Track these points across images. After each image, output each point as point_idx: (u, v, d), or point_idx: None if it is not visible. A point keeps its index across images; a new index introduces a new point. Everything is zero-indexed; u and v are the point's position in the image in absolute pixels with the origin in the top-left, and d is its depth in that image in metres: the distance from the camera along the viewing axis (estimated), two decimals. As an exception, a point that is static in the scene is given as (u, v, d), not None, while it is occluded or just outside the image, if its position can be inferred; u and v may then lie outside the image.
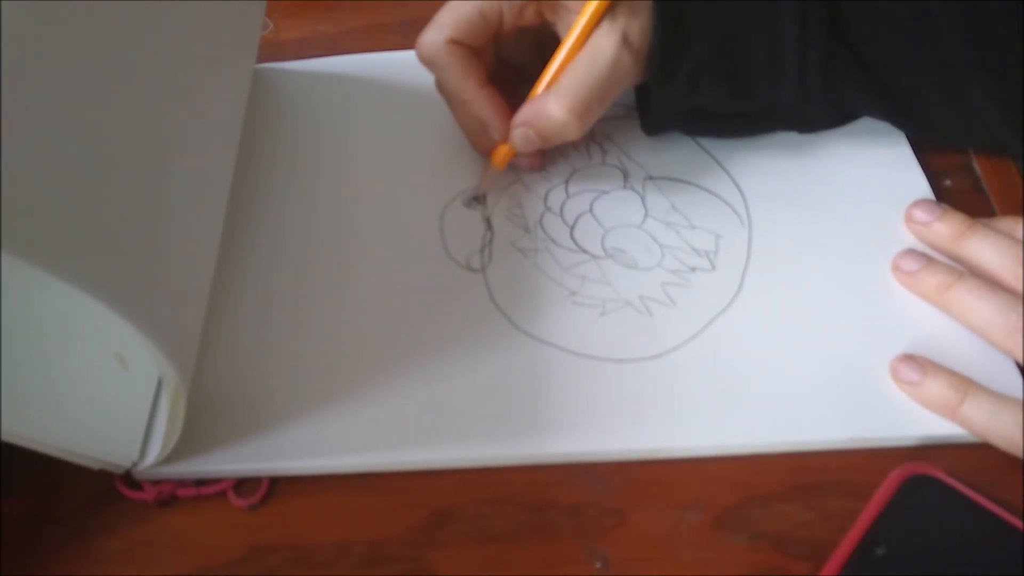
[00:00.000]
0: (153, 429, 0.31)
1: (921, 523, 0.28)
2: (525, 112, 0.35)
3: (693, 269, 0.36)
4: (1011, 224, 0.34)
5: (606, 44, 0.34)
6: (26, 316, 0.30)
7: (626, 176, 0.39)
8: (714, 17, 0.35)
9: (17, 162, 0.21)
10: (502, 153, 0.37)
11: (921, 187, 0.38)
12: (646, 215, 0.38)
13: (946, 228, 0.34)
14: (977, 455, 0.30)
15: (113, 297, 0.23)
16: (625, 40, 0.34)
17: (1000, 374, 0.32)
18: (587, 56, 0.34)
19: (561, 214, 0.38)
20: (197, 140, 0.32)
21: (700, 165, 0.40)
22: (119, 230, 0.25)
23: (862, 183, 0.38)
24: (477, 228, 0.38)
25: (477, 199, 0.39)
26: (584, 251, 0.37)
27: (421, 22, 0.36)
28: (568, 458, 0.31)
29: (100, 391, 0.31)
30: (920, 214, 0.35)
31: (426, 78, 0.38)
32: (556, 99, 0.34)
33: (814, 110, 0.38)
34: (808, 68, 0.35)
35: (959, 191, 0.38)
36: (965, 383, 0.30)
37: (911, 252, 0.35)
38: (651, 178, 0.39)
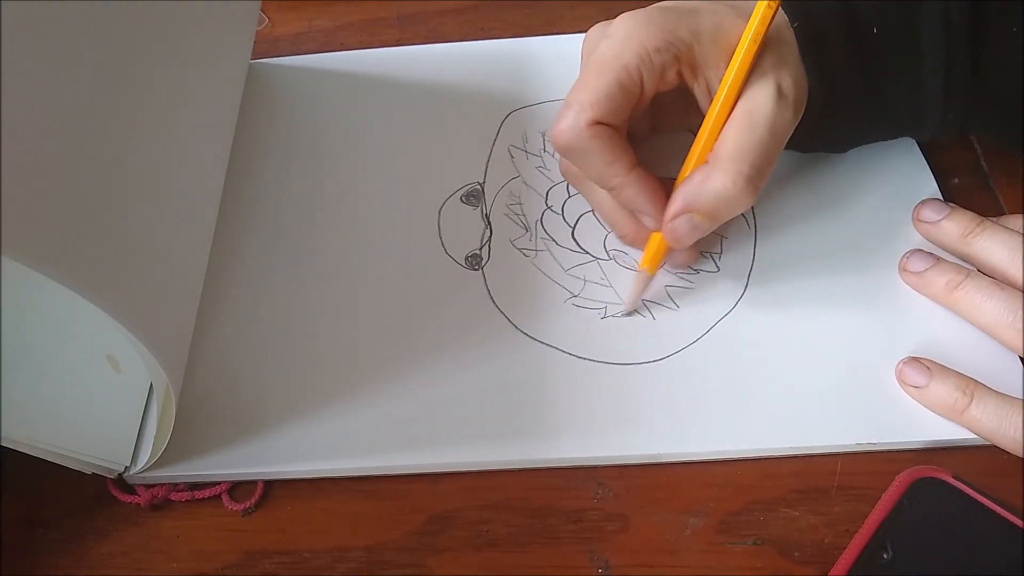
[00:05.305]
0: (145, 432, 0.31)
1: (928, 527, 0.28)
2: (685, 194, 0.31)
3: (697, 271, 0.35)
4: (1020, 221, 0.34)
5: (763, 100, 0.30)
6: (18, 318, 0.30)
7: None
8: (860, 55, 0.33)
9: (11, 162, 0.21)
10: (653, 250, 0.33)
11: (929, 186, 0.37)
12: (648, 214, 0.37)
13: (955, 226, 0.34)
14: (985, 458, 0.30)
15: (104, 297, 0.23)
16: (780, 92, 0.30)
17: (1008, 376, 0.31)
18: (744, 116, 0.30)
19: (563, 213, 0.38)
20: (190, 139, 0.31)
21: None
22: (111, 230, 0.25)
23: (869, 184, 0.38)
24: (476, 225, 0.37)
25: (475, 195, 0.38)
26: (586, 252, 0.36)
27: (417, 17, 0.36)
28: (569, 462, 0.31)
29: (92, 393, 0.31)
30: (928, 213, 0.35)
31: (422, 74, 0.37)
32: (721, 171, 0.30)
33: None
34: (949, 113, 0.34)
35: (967, 189, 0.38)
36: (972, 385, 0.30)
37: (918, 252, 0.34)
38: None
